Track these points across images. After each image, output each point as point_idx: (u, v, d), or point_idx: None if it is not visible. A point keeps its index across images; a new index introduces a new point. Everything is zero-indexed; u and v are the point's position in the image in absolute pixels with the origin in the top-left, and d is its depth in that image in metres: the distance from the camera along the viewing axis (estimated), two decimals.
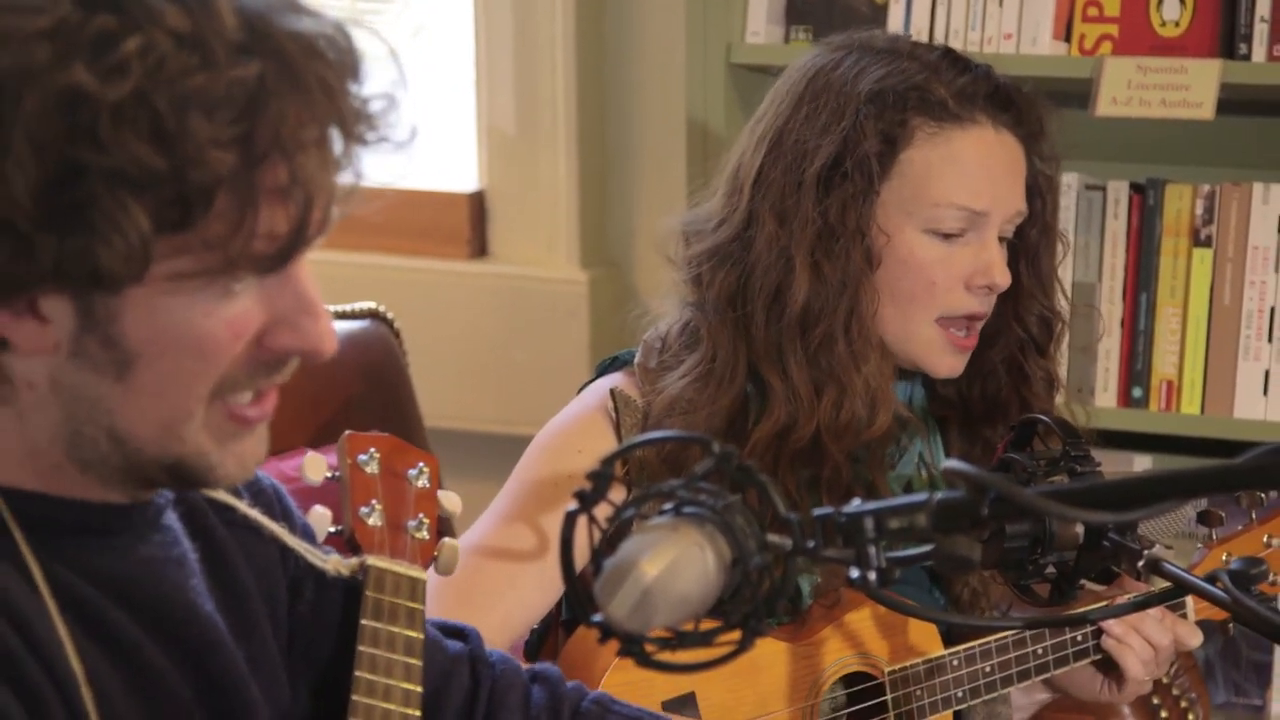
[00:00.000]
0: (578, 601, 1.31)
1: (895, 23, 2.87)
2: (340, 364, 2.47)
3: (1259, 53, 2.73)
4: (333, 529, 1.68)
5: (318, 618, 1.64)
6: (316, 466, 1.67)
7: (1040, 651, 2.08)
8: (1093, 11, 2.82)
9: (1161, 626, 2.07)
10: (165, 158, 1.26)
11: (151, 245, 1.27)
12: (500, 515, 2.07)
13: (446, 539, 1.72)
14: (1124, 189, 2.85)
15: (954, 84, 2.05)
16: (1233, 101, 2.75)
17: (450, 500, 1.73)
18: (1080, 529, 1.83)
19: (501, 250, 3.40)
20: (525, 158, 3.33)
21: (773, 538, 1.27)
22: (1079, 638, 2.09)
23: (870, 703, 2.07)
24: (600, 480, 1.31)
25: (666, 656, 1.28)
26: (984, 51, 2.82)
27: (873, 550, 1.29)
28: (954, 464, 1.28)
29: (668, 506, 1.28)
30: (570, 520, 1.32)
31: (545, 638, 2.15)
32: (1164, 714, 2.61)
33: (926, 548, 1.34)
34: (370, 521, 1.67)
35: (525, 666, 1.78)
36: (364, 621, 1.60)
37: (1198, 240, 2.81)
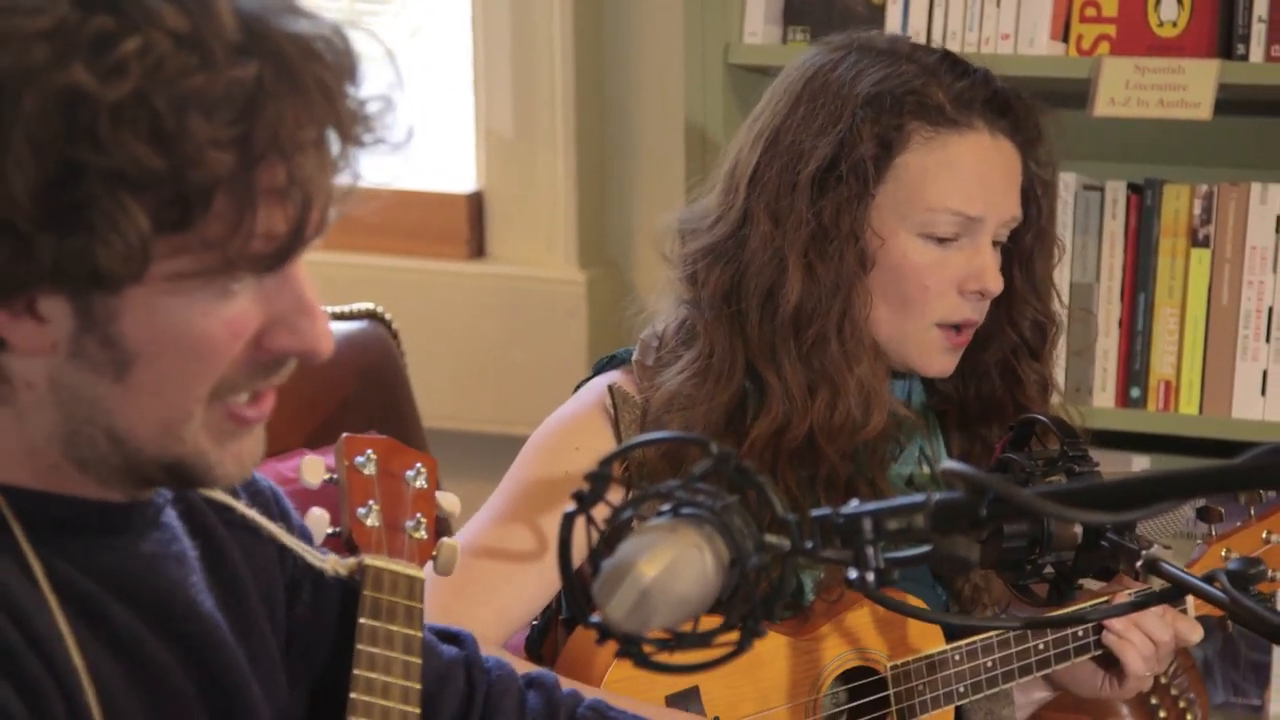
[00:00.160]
0: (576, 602, 1.31)
1: (893, 23, 2.87)
2: (338, 365, 2.47)
3: (1257, 53, 2.73)
4: (331, 530, 1.68)
5: (315, 619, 1.64)
6: (314, 469, 1.68)
7: (1041, 647, 2.08)
8: (1090, 12, 2.82)
9: (1162, 622, 2.08)
10: (164, 158, 1.26)
11: (150, 245, 1.28)
12: (496, 512, 2.07)
13: (445, 539, 1.72)
14: (1122, 189, 2.85)
15: (952, 88, 2.05)
16: (1230, 102, 2.75)
17: (449, 501, 1.74)
18: (1079, 529, 1.83)
19: (500, 251, 3.40)
20: (523, 158, 3.33)
21: (771, 538, 1.27)
22: (1080, 633, 2.09)
23: (872, 698, 2.07)
24: (598, 481, 1.31)
25: (665, 657, 1.29)
26: (981, 52, 2.82)
27: (871, 551, 1.29)
28: (952, 465, 1.28)
29: (666, 507, 1.28)
30: (568, 521, 1.32)
31: (545, 635, 2.15)
32: (1162, 714, 2.61)
33: (925, 548, 1.34)
34: (368, 522, 1.68)
35: (521, 672, 1.78)
36: (362, 620, 1.60)
37: (1196, 240, 2.81)
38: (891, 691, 2.06)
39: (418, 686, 1.60)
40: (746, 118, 2.15)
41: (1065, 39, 2.83)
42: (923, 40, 2.77)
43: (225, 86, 1.27)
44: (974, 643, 2.07)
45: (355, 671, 1.58)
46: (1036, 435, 2.01)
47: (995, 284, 2.07)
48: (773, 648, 2.04)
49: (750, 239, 2.06)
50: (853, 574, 1.30)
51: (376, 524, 1.68)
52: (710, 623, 1.28)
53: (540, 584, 2.05)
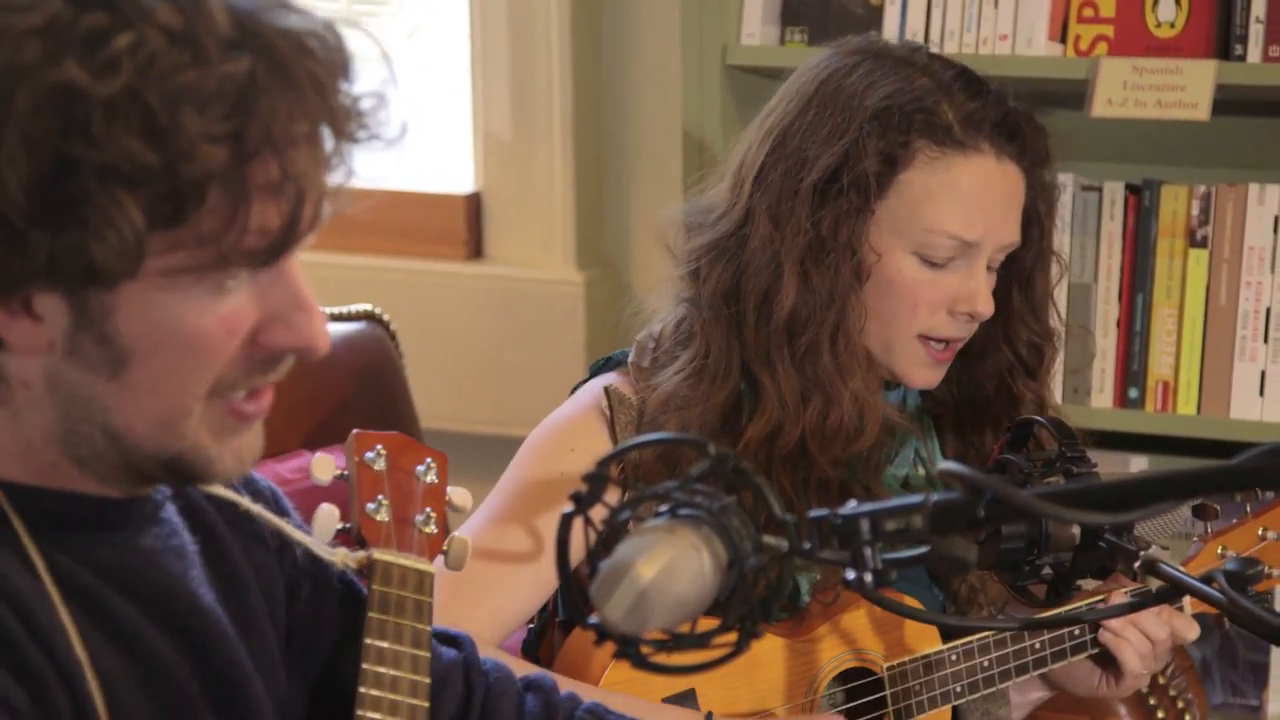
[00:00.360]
0: (574, 603, 1.31)
1: (890, 24, 2.87)
2: (336, 366, 2.47)
3: (1254, 53, 2.73)
4: (340, 526, 1.68)
5: (315, 617, 1.65)
6: (325, 466, 1.69)
7: (1038, 646, 2.09)
8: (1088, 12, 2.82)
9: (1159, 620, 2.08)
10: (157, 153, 1.27)
11: (145, 240, 1.28)
12: (492, 513, 2.07)
13: (456, 534, 1.73)
14: (1119, 190, 2.85)
15: (963, 108, 2.04)
16: (1228, 102, 2.75)
17: (460, 496, 1.75)
18: (1077, 530, 1.83)
19: (497, 251, 3.40)
20: (521, 159, 3.33)
21: (768, 539, 1.27)
22: (1076, 632, 2.09)
23: (869, 698, 2.07)
24: (596, 482, 1.31)
25: (662, 658, 1.29)
26: (979, 53, 2.81)
27: (868, 552, 1.29)
28: (950, 466, 1.28)
29: (663, 508, 1.28)
30: (566, 522, 1.32)
31: (543, 637, 2.15)
32: (1160, 714, 2.61)
33: (923, 549, 1.34)
34: (377, 517, 1.68)
35: (520, 675, 1.78)
36: (371, 614, 1.60)
37: (1193, 241, 2.81)
38: (888, 692, 2.06)
39: (427, 680, 1.60)
40: (744, 119, 2.15)
41: (1063, 39, 2.83)
42: (921, 41, 2.77)
43: (218, 82, 1.28)
44: (970, 642, 2.07)
45: (364, 665, 1.58)
46: (1034, 436, 2.01)
47: (986, 308, 2.07)
48: (770, 649, 2.04)
49: (751, 239, 2.06)
50: (850, 575, 1.30)
51: (386, 519, 1.68)
52: (708, 624, 1.28)
53: (535, 585, 2.05)
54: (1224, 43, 2.75)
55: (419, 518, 1.71)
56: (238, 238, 1.31)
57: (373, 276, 3.31)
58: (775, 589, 1.27)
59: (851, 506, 1.30)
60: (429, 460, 1.74)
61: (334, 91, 1.33)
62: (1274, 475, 1.25)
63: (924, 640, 2.09)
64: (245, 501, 1.57)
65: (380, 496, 1.69)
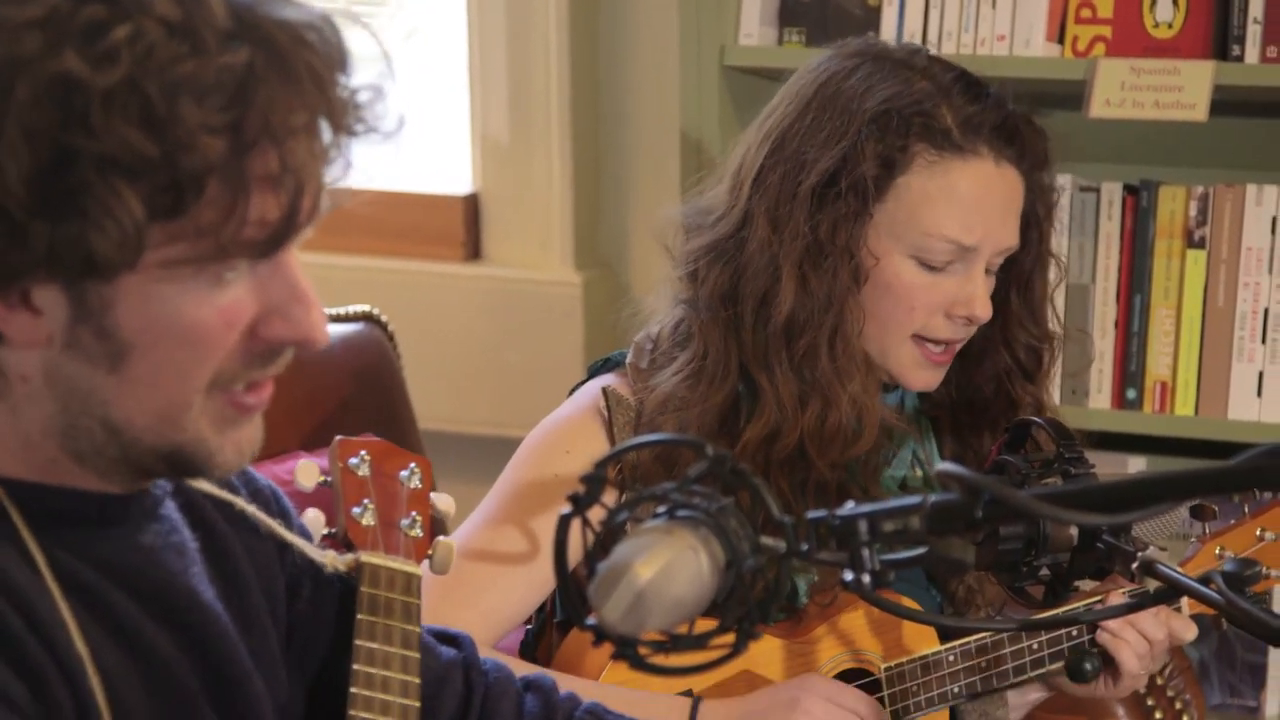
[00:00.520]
0: (571, 604, 1.31)
1: (888, 25, 2.87)
2: (334, 367, 2.47)
3: (1252, 54, 2.73)
4: (327, 531, 1.69)
5: (315, 616, 1.65)
6: (308, 472, 1.69)
7: (1036, 647, 2.08)
8: (1086, 13, 2.82)
9: (1156, 621, 2.08)
10: (156, 143, 1.27)
11: (144, 232, 1.28)
12: (487, 515, 2.08)
13: (441, 537, 1.73)
14: (1117, 190, 2.85)
15: (962, 112, 2.04)
16: (1226, 103, 2.75)
17: (444, 501, 1.75)
18: (1074, 531, 1.83)
19: (495, 253, 3.40)
20: (519, 160, 3.33)
21: (766, 540, 1.27)
22: (1074, 632, 2.09)
23: None
24: (594, 483, 1.31)
25: (660, 659, 1.29)
26: (977, 53, 2.81)
27: (866, 553, 1.29)
28: (948, 467, 1.28)
29: (661, 509, 1.28)
30: (564, 523, 1.32)
31: (540, 638, 2.15)
32: (1158, 715, 2.61)
33: (920, 550, 1.34)
34: (363, 521, 1.69)
35: (519, 674, 1.78)
36: (360, 616, 1.61)
37: (1191, 242, 2.81)
38: (886, 693, 2.06)
39: (417, 681, 1.61)
40: (742, 119, 2.15)
41: (1061, 40, 2.83)
42: (919, 42, 2.77)
43: (216, 73, 1.28)
44: (968, 644, 2.07)
45: (355, 667, 1.59)
46: (1032, 437, 2.01)
47: (984, 312, 2.07)
48: (767, 650, 2.04)
49: (749, 241, 2.06)
50: (848, 576, 1.30)
51: (372, 523, 1.69)
52: (705, 625, 1.28)
53: (529, 587, 2.05)
54: (1222, 43, 2.76)
55: (404, 522, 1.71)
56: (237, 229, 1.31)
57: (371, 277, 3.31)
58: (773, 590, 1.27)
59: (849, 508, 1.30)
60: (413, 465, 1.74)
61: (332, 84, 1.34)
62: (1272, 476, 1.25)
63: (922, 641, 2.09)
64: (240, 501, 1.57)
65: (366, 501, 1.70)
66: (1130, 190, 2.85)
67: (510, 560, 2.04)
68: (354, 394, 2.50)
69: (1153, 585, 1.87)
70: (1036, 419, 2.01)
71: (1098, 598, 2.09)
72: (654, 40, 3.23)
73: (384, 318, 2.60)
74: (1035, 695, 2.28)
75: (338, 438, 1.73)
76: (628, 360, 2.14)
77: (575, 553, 1.34)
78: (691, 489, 1.28)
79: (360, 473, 1.71)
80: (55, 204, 1.27)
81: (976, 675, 2.08)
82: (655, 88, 3.24)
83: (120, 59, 1.26)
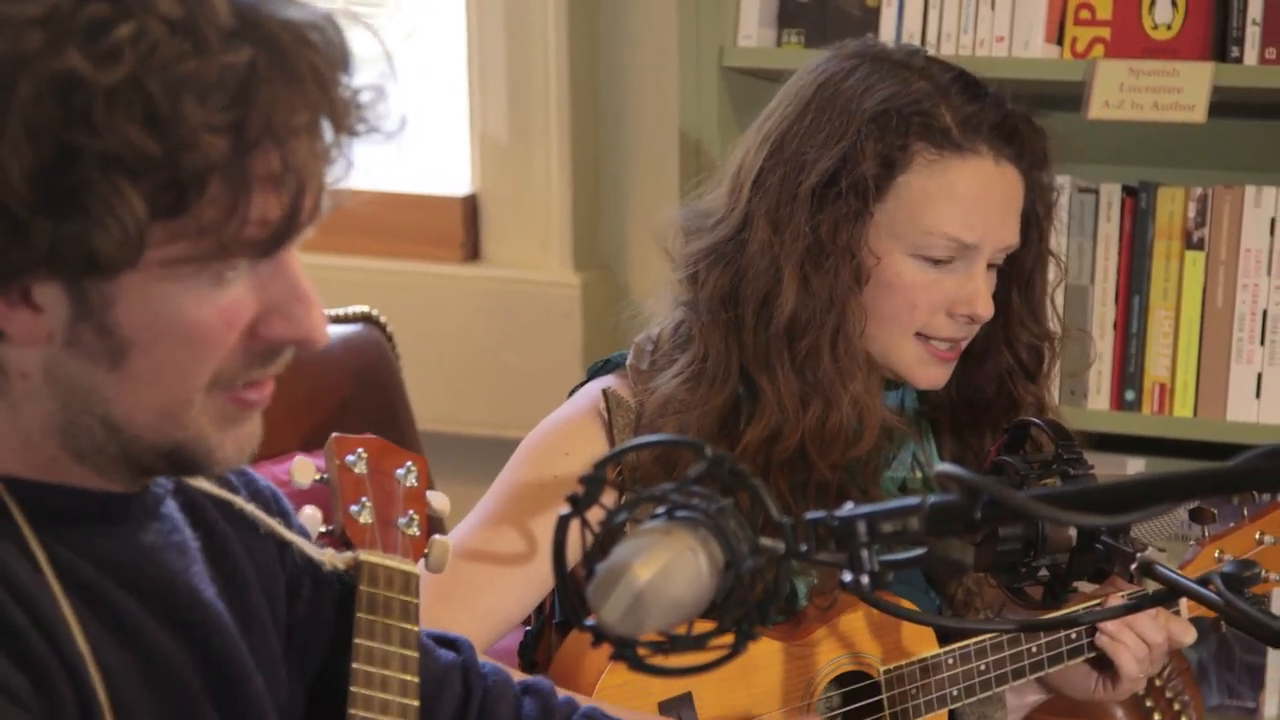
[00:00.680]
0: (570, 605, 1.31)
1: (887, 26, 2.87)
2: (333, 367, 2.47)
3: (1251, 55, 2.73)
4: (324, 529, 1.69)
5: (315, 615, 1.65)
6: (305, 470, 1.69)
7: (1035, 650, 2.08)
8: (1085, 14, 2.82)
9: (1155, 624, 2.08)
10: (159, 142, 1.27)
11: (146, 230, 1.29)
12: (485, 515, 2.07)
13: (437, 536, 1.73)
14: (1116, 192, 2.85)
15: (960, 111, 2.04)
16: (1225, 104, 2.75)
17: (439, 500, 1.75)
18: (1073, 532, 1.83)
19: (494, 253, 3.40)
20: (518, 161, 3.33)
21: (765, 541, 1.27)
22: (1073, 635, 2.09)
23: (865, 702, 2.07)
24: (593, 484, 1.31)
25: (659, 660, 1.29)
26: (976, 55, 2.82)
27: (865, 554, 1.29)
28: (947, 468, 1.28)
29: (660, 510, 1.28)
30: (563, 524, 1.32)
31: (539, 639, 2.15)
32: (1157, 717, 2.61)
33: (919, 551, 1.34)
34: (361, 519, 1.69)
35: (518, 678, 1.78)
36: (359, 615, 1.61)
37: (1190, 243, 2.81)
38: (885, 695, 2.06)
39: (416, 679, 1.61)
40: (741, 120, 2.15)
41: (1060, 41, 2.83)
42: (917, 43, 2.77)
43: (219, 71, 1.28)
44: (967, 646, 2.07)
45: (354, 665, 1.59)
46: (1031, 438, 2.01)
47: (985, 310, 2.07)
48: (766, 652, 2.04)
49: (749, 243, 2.06)
50: (847, 577, 1.30)
51: (370, 521, 1.69)
52: (704, 626, 1.28)
53: (525, 588, 2.05)
54: (1220, 45, 2.76)
55: (401, 520, 1.71)
56: (238, 228, 1.31)
57: (369, 278, 3.31)
58: (772, 591, 1.27)
59: (848, 509, 1.30)
60: (409, 464, 1.75)
61: (334, 83, 1.34)
62: (1270, 478, 1.25)
63: (921, 643, 2.09)
64: (240, 500, 1.57)
65: (364, 499, 1.70)
66: (1129, 191, 2.85)
67: (507, 561, 2.03)
68: (353, 394, 2.50)
69: (1152, 587, 1.88)
70: (1035, 420, 2.01)
71: (1097, 600, 2.09)
72: (653, 41, 3.23)
73: (383, 318, 2.60)
74: (1034, 697, 2.28)
75: (334, 435, 1.73)
76: (628, 362, 2.14)
77: (574, 554, 1.34)
78: (690, 490, 1.28)
79: (357, 470, 1.71)
80: (57, 201, 1.27)
81: (976, 678, 2.08)
82: (654, 89, 3.24)
83: (123, 57, 1.26)
